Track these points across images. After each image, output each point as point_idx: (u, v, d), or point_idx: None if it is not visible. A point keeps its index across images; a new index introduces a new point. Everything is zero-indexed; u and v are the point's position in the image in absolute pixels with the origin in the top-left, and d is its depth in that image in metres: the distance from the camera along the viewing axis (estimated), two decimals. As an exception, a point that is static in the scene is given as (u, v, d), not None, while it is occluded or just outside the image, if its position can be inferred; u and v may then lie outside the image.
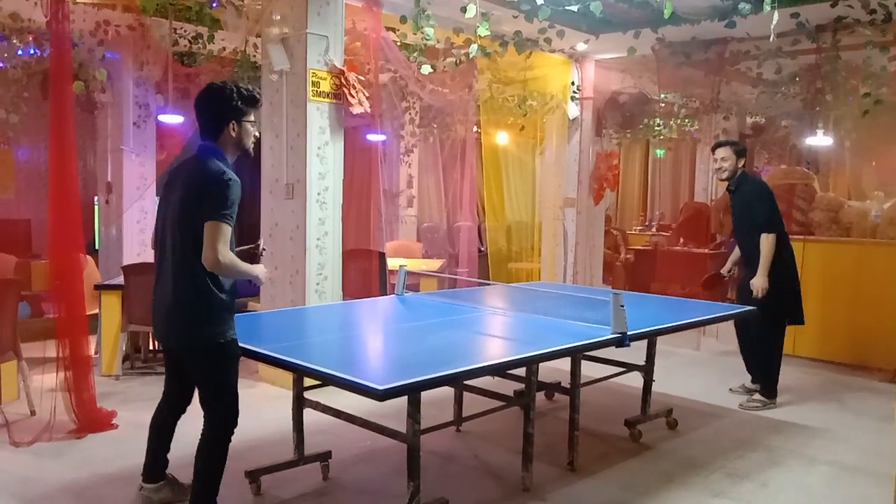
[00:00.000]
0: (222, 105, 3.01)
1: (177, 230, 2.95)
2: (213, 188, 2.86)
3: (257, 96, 3.10)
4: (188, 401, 3.34)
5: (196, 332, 2.96)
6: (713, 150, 5.22)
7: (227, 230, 2.84)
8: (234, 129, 3.02)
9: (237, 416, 3.09)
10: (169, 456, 3.39)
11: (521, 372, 3.66)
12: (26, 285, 6.47)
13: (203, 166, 2.94)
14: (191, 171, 3.00)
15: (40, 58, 6.06)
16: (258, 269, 3.10)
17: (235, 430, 3.09)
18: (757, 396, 5.15)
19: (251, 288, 3.45)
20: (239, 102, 3.01)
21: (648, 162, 14.35)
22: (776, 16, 4.33)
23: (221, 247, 2.81)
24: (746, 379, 5.44)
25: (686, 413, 4.89)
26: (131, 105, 7.10)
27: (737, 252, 5.41)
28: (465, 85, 7.28)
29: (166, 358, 3.42)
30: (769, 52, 6.73)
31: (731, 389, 5.44)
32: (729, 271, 5.48)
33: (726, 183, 5.21)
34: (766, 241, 4.94)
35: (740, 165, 5.08)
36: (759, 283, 4.93)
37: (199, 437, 3.06)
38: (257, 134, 3.15)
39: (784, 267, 5.03)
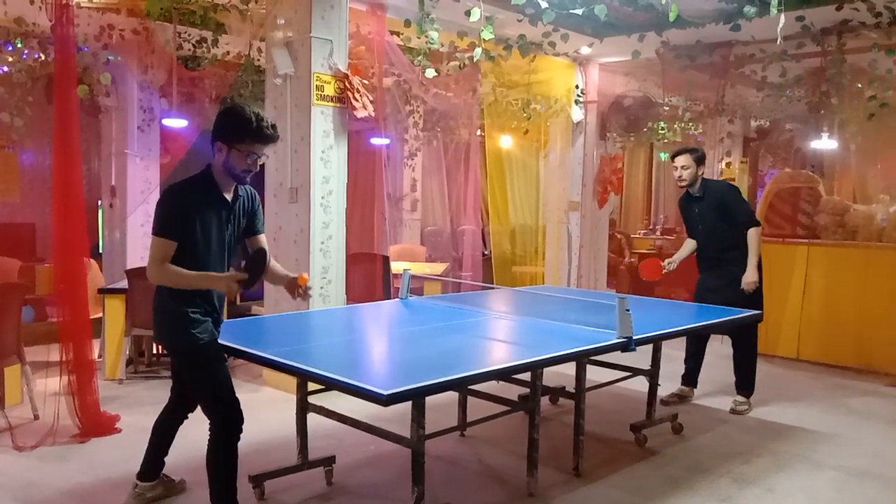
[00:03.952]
0: (220, 123, 3.00)
1: None
2: (158, 204, 3.00)
3: (264, 129, 2.90)
4: (189, 407, 3.35)
5: (173, 336, 3.08)
6: (672, 157, 5.17)
7: (163, 244, 2.91)
8: (220, 150, 2.95)
9: (240, 417, 3.08)
10: (173, 457, 3.41)
11: (526, 376, 3.65)
12: (30, 289, 6.49)
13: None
14: None
15: (45, 62, 6.07)
16: (220, 281, 2.98)
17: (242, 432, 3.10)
18: (742, 398, 5.10)
19: (255, 291, 3.43)
20: (231, 127, 2.92)
21: (652, 165, 14.33)
22: (783, 19, 4.29)
23: (151, 262, 2.93)
24: (730, 387, 5.21)
25: (691, 418, 4.87)
26: (136, 109, 7.11)
27: (686, 250, 5.30)
28: (468, 88, 7.28)
29: (171, 360, 3.49)
30: (774, 55, 6.71)
31: (662, 401, 5.01)
32: (670, 263, 5.21)
33: (684, 190, 5.17)
34: (755, 235, 4.96)
35: (700, 172, 5.07)
36: (751, 277, 4.91)
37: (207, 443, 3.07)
38: (255, 168, 3.00)
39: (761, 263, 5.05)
